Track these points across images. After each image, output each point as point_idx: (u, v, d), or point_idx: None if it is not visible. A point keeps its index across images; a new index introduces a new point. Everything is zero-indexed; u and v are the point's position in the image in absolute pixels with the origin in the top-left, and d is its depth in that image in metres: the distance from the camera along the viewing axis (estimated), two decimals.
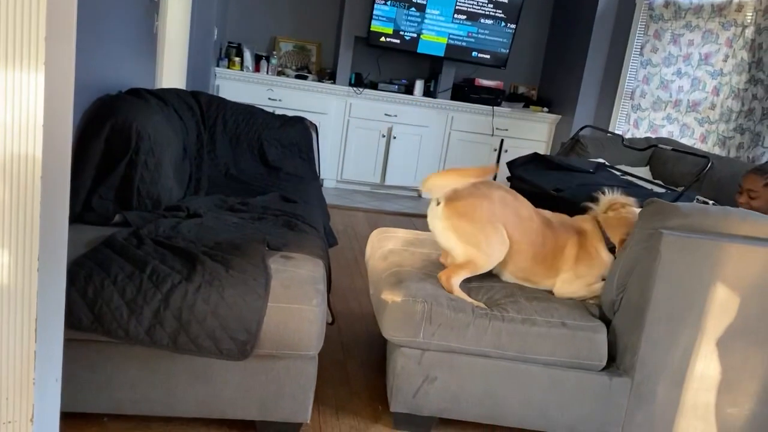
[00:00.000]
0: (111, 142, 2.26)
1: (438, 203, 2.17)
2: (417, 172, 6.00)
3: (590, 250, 2.21)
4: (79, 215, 2.18)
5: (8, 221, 1.19)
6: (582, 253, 2.21)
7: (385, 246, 2.50)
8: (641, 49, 5.50)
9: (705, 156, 3.91)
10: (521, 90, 6.53)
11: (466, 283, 2.13)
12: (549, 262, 2.19)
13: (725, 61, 4.69)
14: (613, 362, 2.05)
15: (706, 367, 1.97)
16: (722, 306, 1.92)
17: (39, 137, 1.16)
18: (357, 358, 2.50)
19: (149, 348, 1.70)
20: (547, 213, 2.30)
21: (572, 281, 2.21)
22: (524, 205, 2.23)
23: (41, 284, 1.25)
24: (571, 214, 2.39)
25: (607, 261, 2.19)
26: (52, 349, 1.37)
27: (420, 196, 6.14)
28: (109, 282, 1.68)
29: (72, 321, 1.63)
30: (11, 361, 1.26)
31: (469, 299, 2.06)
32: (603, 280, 2.19)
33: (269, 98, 5.55)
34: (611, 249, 2.18)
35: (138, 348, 1.72)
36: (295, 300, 1.77)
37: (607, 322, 2.06)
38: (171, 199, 2.46)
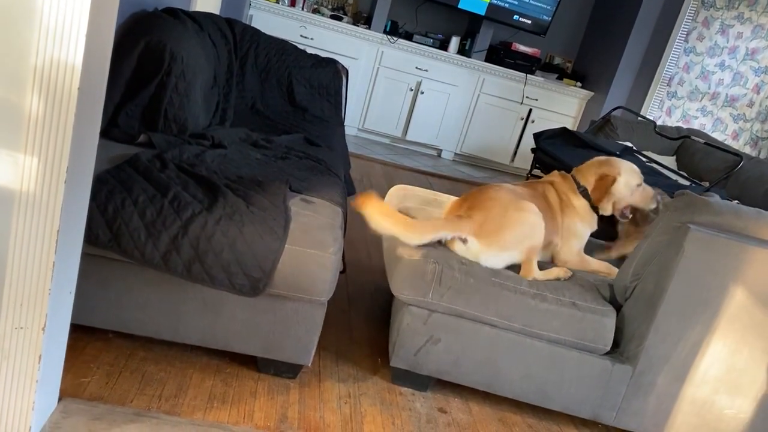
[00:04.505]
0: (143, 60, 2.22)
1: (464, 241, 2.02)
2: (440, 131, 5.93)
3: (563, 197, 2.28)
4: (103, 130, 2.16)
5: (41, 130, 1.17)
6: (560, 203, 2.27)
7: (404, 203, 2.48)
8: (687, 35, 5.34)
9: (737, 154, 3.83)
10: (557, 61, 6.38)
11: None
12: (549, 222, 2.19)
13: None
14: (617, 348, 2.04)
15: (710, 366, 1.96)
16: (737, 309, 1.90)
17: (81, 46, 1.13)
18: (361, 309, 2.51)
19: (162, 273, 1.70)
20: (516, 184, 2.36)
21: (566, 241, 2.26)
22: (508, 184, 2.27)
23: (66, 197, 1.24)
24: None
25: (579, 206, 2.27)
26: (69, 261, 1.38)
27: (439, 155, 6.08)
28: (130, 202, 1.67)
29: (89, 236, 1.62)
30: (30, 270, 1.26)
31: (558, 273, 2.10)
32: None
33: (301, 35, 5.45)
34: (584, 193, 2.27)
35: (151, 271, 1.72)
36: (312, 245, 1.76)
37: (617, 307, 2.05)
38: (197, 126, 2.43)
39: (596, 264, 2.31)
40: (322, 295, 1.79)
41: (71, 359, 1.76)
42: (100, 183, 1.69)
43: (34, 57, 1.13)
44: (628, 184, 2.26)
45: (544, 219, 2.10)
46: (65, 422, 1.52)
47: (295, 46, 3.65)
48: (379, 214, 1.93)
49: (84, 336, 1.86)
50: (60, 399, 1.57)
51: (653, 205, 2.32)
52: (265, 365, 1.93)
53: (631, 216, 2.35)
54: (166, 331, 1.83)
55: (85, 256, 1.66)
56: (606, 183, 2.24)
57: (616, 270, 2.26)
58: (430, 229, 2.01)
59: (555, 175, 2.37)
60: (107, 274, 1.74)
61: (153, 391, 1.74)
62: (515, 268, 2.08)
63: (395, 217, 1.96)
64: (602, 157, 2.38)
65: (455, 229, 2.02)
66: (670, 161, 4.74)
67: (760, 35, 4.69)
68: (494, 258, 2.03)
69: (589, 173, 2.29)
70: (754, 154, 4.57)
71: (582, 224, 2.29)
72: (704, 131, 4.92)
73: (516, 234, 2.03)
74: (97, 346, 1.85)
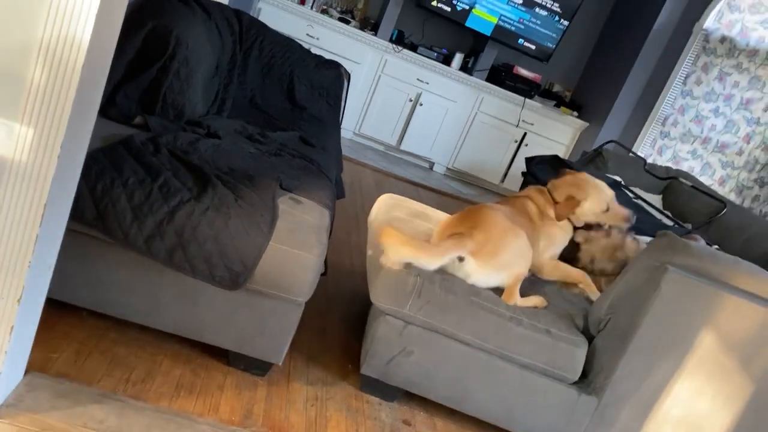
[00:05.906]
0: (148, 43, 2.21)
1: (460, 259, 2.03)
2: (435, 144, 5.96)
3: (541, 209, 2.38)
4: (100, 108, 2.15)
5: (40, 102, 1.17)
6: (539, 215, 2.37)
7: (392, 212, 2.49)
8: (685, 78, 5.42)
9: (722, 201, 3.89)
10: (556, 88, 6.44)
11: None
12: (533, 236, 2.26)
13: (765, 110, 4.64)
14: (585, 379, 2.07)
15: (673, 406, 1.99)
16: (705, 353, 1.93)
17: (90, 23, 1.13)
18: (338, 314, 2.52)
19: (144, 257, 1.70)
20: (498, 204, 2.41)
21: (545, 248, 2.34)
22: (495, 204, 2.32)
23: (58, 171, 1.24)
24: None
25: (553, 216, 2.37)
26: (53, 236, 1.37)
27: (431, 168, 6.11)
28: (119, 183, 1.67)
29: (75, 212, 1.61)
30: (12, 241, 1.25)
31: (536, 302, 2.11)
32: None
33: (307, 34, 5.46)
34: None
35: (132, 254, 1.71)
36: (296, 245, 1.76)
37: (589, 338, 2.07)
38: (194, 113, 2.43)
39: (573, 271, 2.37)
40: (301, 296, 1.80)
41: (42, 333, 1.73)
42: (91, 161, 1.68)
43: (41, 29, 1.13)
44: (591, 209, 2.39)
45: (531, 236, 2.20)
46: (28, 396, 1.51)
47: (300, 45, 3.66)
48: (400, 244, 1.93)
49: (57, 311, 1.85)
50: (26, 372, 1.56)
51: (626, 225, 2.43)
52: (236, 359, 1.93)
53: (608, 227, 2.45)
54: (140, 315, 1.82)
55: (68, 231, 1.65)
56: (571, 204, 2.36)
57: (591, 283, 2.34)
58: (443, 252, 2.01)
59: (531, 190, 2.47)
60: (88, 252, 1.74)
61: (121, 373, 1.73)
62: (496, 291, 2.09)
63: (414, 244, 1.96)
64: (577, 175, 2.46)
65: (461, 248, 2.02)
66: (656, 199, 4.80)
67: (755, 86, 4.77)
68: (485, 277, 2.05)
69: (561, 190, 2.40)
70: (738, 201, 4.64)
71: (559, 231, 2.39)
72: (692, 174, 4.99)
73: (511, 258, 2.07)
74: (69, 323, 1.84)
